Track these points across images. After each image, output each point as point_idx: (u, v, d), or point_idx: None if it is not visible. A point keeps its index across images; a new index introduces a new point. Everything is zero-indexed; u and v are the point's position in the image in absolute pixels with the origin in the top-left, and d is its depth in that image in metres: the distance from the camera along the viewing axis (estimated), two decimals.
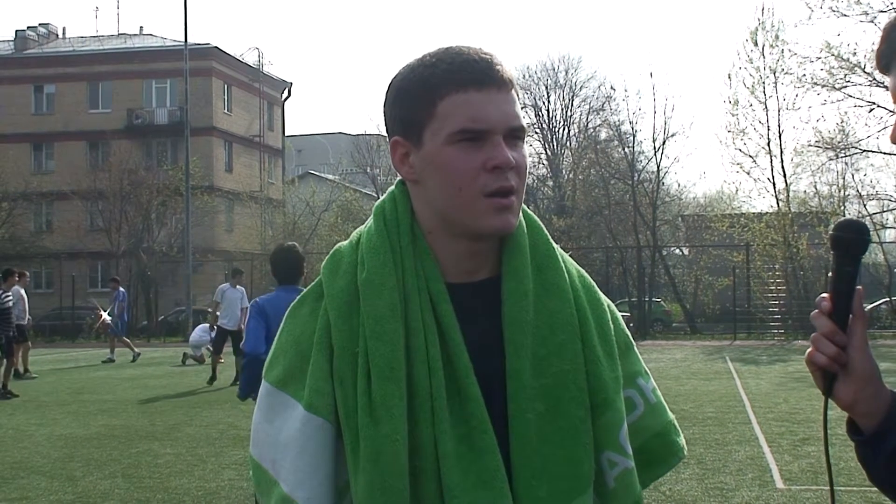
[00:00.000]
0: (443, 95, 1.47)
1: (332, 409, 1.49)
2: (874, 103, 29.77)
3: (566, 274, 1.60)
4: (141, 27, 60.06)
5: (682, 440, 1.68)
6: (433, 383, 1.48)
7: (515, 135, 1.49)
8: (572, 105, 49.02)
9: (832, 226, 1.48)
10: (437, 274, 1.53)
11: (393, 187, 1.61)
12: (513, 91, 1.50)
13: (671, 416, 1.71)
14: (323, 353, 1.51)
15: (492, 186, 1.46)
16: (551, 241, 1.62)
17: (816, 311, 1.45)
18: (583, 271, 1.66)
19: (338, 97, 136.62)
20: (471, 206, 1.48)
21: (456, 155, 1.47)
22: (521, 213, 1.58)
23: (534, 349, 1.53)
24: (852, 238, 1.45)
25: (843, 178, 39.27)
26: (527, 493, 1.49)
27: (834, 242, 1.46)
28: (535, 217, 1.64)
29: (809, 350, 1.45)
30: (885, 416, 1.45)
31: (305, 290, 1.61)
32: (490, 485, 1.47)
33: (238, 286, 17.92)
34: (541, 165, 47.33)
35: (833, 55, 29.61)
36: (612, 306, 1.67)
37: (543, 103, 48.07)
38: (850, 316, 1.45)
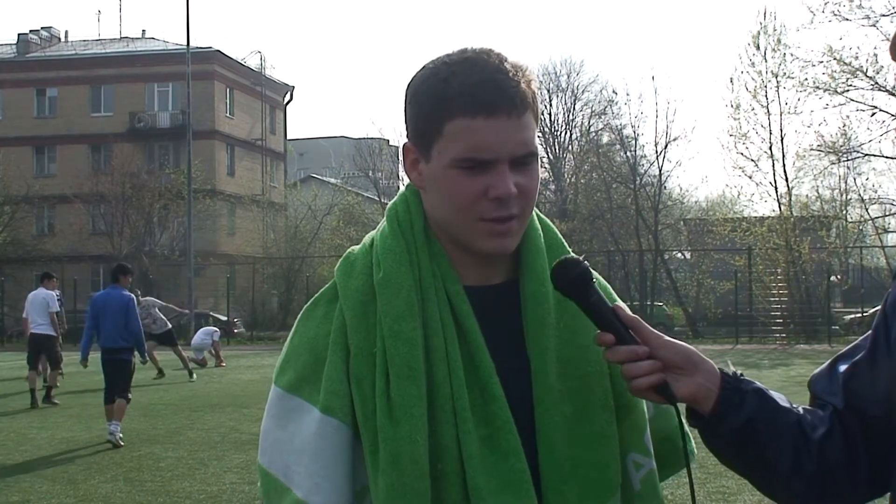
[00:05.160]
0: (451, 117, 1.43)
1: (350, 410, 1.46)
2: (876, 107, 29.79)
3: None
4: (143, 31, 60.06)
5: (690, 445, 1.65)
6: (454, 383, 1.45)
7: (523, 160, 1.45)
8: (574, 109, 49.00)
9: (553, 278, 1.47)
10: (453, 275, 1.51)
11: (404, 189, 1.59)
12: (527, 114, 1.45)
13: (682, 420, 1.68)
14: (339, 355, 1.48)
15: (490, 215, 1.44)
16: (566, 244, 1.61)
17: (605, 350, 1.44)
18: (598, 275, 1.63)
19: (340, 101, 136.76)
20: (469, 227, 1.46)
21: (458, 179, 1.44)
22: (535, 218, 1.57)
23: (557, 352, 1.51)
24: (573, 277, 1.46)
25: (846, 182, 39.37)
26: (556, 497, 1.48)
27: (564, 291, 1.47)
28: (549, 221, 1.62)
29: (633, 383, 1.43)
30: (718, 396, 1.45)
31: (319, 293, 1.58)
32: (516, 488, 1.44)
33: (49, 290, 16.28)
34: (542, 169, 47.32)
35: (835, 59, 29.66)
36: (627, 309, 1.65)
37: (545, 107, 48.01)
38: (629, 330, 1.45)
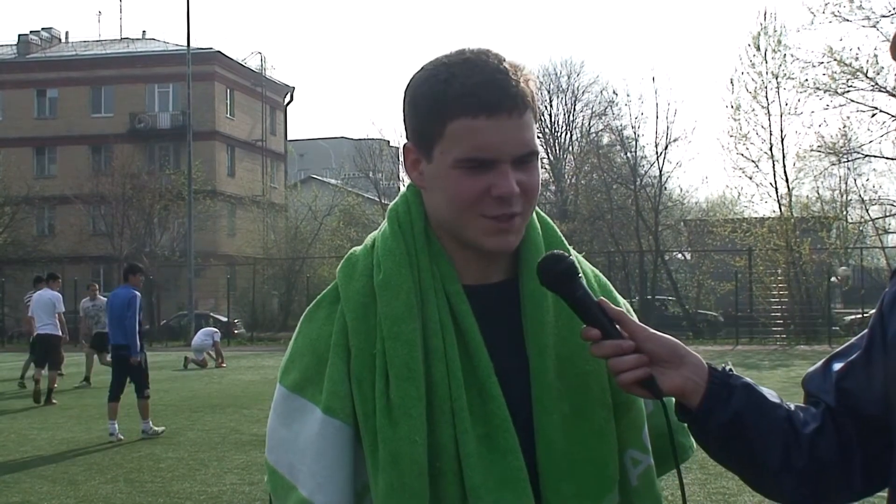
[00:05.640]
0: (452, 118, 1.45)
1: (351, 411, 1.49)
2: (876, 108, 29.78)
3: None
4: (144, 31, 60.05)
5: (689, 440, 1.66)
6: (452, 383, 1.47)
7: (524, 158, 1.47)
8: (574, 109, 49.03)
9: (538, 273, 1.48)
10: (453, 275, 1.53)
11: (405, 190, 1.61)
12: (527, 113, 1.46)
13: (672, 418, 1.66)
14: (340, 356, 1.50)
15: (493, 212, 1.46)
16: (565, 242, 1.62)
17: (591, 345, 1.45)
18: (598, 272, 1.66)
19: (340, 102, 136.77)
20: (471, 225, 1.48)
21: (461, 179, 1.46)
22: (535, 217, 1.59)
23: (556, 350, 1.53)
24: (558, 271, 1.47)
25: (846, 183, 39.40)
26: (554, 495, 1.49)
27: (550, 287, 1.48)
28: (549, 219, 1.64)
29: (619, 378, 1.43)
30: (705, 390, 1.45)
31: (322, 294, 1.60)
32: (514, 486, 1.46)
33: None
34: (543, 170, 47.30)
35: (835, 60, 29.65)
36: (628, 305, 1.66)
37: (546, 108, 48.04)
38: (614, 324, 1.45)
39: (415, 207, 1.56)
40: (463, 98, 1.44)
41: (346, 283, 1.55)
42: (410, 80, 1.53)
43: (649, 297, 36.74)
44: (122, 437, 11.35)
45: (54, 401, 15.56)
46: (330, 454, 1.48)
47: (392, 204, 1.60)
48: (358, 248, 1.60)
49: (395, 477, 1.43)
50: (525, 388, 1.51)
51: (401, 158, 1.61)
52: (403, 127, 1.55)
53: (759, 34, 33.22)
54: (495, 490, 1.45)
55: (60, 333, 16.13)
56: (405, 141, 1.56)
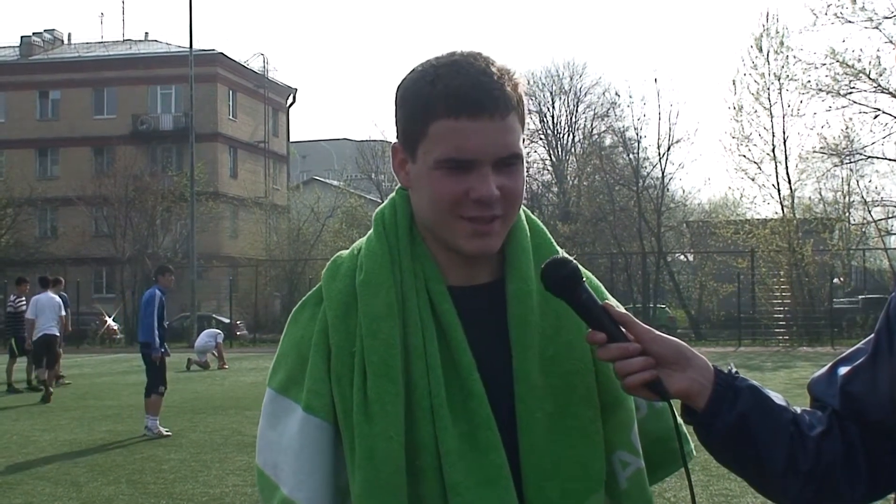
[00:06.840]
0: (435, 118, 1.45)
1: (331, 409, 1.50)
2: (879, 109, 29.77)
3: None
4: (146, 33, 60.12)
5: (687, 447, 1.64)
6: (431, 381, 1.47)
7: (507, 161, 1.47)
8: (577, 111, 49.12)
9: (543, 278, 1.47)
10: (437, 275, 1.53)
11: (393, 193, 1.62)
12: (511, 115, 1.46)
13: (679, 421, 1.65)
14: (321, 355, 1.51)
15: (472, 215, 1.46)
16: (555, 244, 1.62)
17: (598, 348, 1.44)
18: (589, 273, 1.65)
19: (342, 103, 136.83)
20: (451, 226, 1.48)
21: (441, 180, 1.46)
22: (523, 218, 1.59)
23: (540, 349, 1.52)
24: (563, 276, 1.48)
25: (848, 185, 39.34)
26: (538, 493, 1.49)
27: (554, 291, 1.49)
28: (539, 221, 1.64)
29: (625, 381, 1.43)
30: (712, 392, 1.45)
31: (307, 296, 1.61)
32: (495, 482, 1.46)
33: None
34: (545, 171, 47.41)
35: (838, 61, 29.65)
36: (621, 307, 1.63)
37: (548, 109, 48.16)
38: (619, 327, 1.45)
39: (401, 209, 1.57)
40: (445, 99, 1.44)
41: (329, 284, 1.56)
42: (402, 81, 1.54)
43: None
44: (165, 433, 11.74)
45: (51, 388, 16.15)
46: (310, 452, 1.49)
47: (379, 208, 1.61)
48: (344, 252, 1.61)
49: (371, 473, 1.44)
50: (509, 387, 1.51)
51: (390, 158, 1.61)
52: (395, 126, 1.56)
53: (761, 36, 33.27)
54: (476, 487, 1.45)
55: (58, 334, 16.82)
56: (395, 140, 1.56)
